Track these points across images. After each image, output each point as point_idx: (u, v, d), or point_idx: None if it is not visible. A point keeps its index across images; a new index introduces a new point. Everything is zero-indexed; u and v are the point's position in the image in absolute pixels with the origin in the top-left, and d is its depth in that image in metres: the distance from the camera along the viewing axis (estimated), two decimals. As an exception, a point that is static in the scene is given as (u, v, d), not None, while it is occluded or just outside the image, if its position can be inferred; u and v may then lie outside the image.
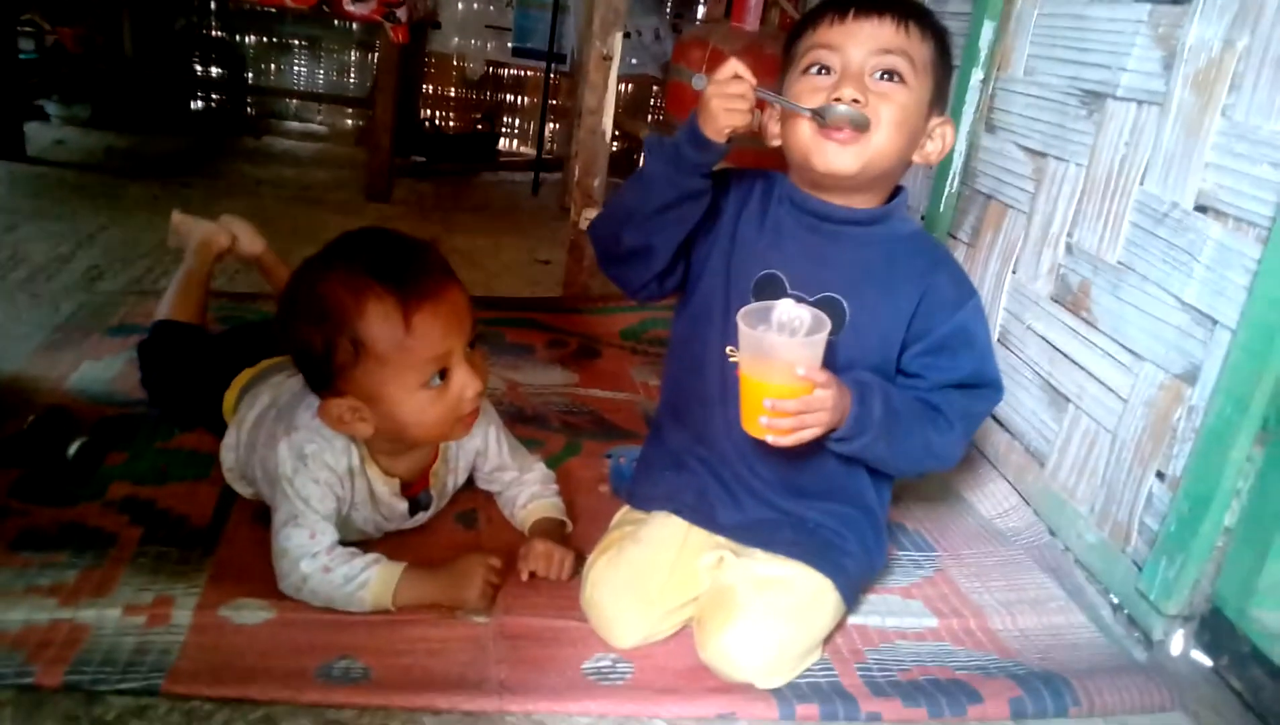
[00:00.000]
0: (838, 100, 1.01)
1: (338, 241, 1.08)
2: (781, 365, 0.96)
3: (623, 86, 3.88)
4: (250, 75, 4.15)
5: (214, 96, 4.16)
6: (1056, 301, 1.52)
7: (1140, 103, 1.36)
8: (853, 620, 1.18)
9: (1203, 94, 1.24)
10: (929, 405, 1.08)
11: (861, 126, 1.01)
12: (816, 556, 1.11)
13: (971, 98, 1.79)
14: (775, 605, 1.06)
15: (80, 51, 3.62)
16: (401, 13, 2.99)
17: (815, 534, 1.13)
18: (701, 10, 4.13)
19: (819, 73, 1.05)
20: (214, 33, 4.07)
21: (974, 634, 1.20)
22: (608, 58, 2.17)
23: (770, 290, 1.08)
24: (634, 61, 3.89)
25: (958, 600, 1.27)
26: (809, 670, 1.08)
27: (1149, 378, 1.29)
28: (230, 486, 1.27)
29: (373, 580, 1.06)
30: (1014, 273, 1.65)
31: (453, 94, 4.26)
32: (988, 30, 1.75)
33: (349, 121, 4.25)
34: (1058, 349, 1.50)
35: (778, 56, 1.14)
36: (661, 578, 1.10)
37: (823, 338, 0.96)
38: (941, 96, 1.10)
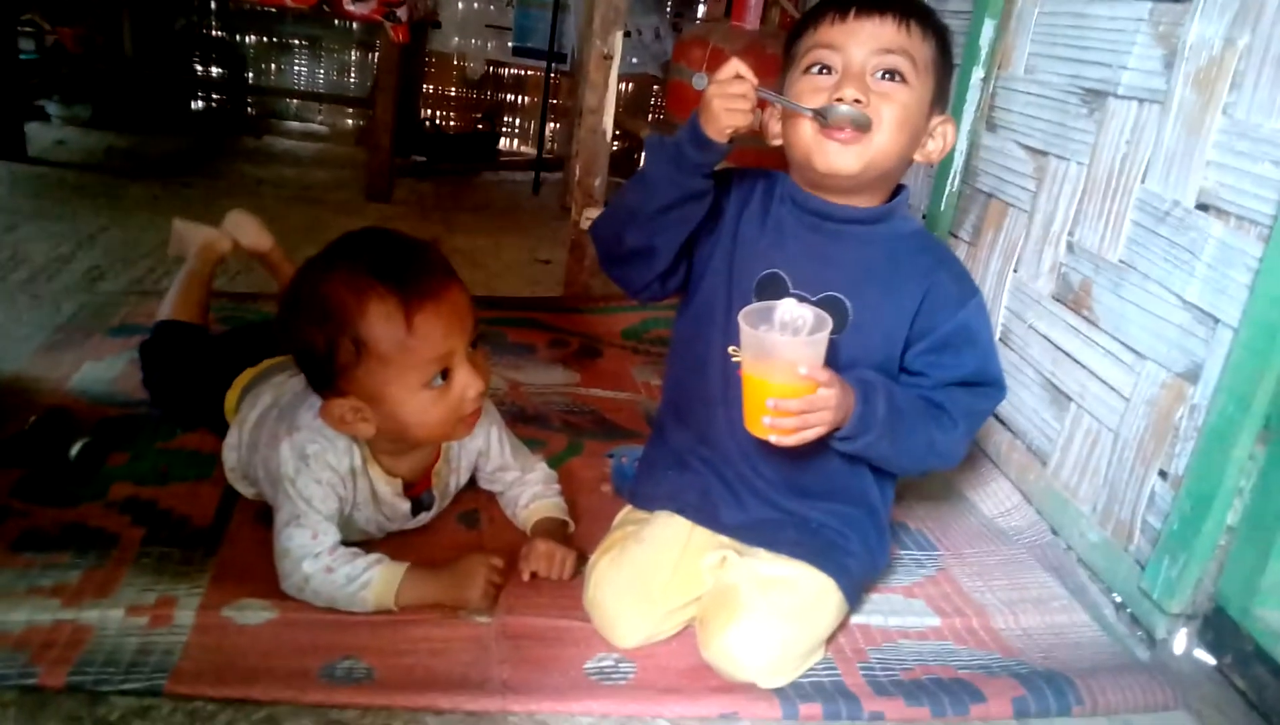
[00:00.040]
0: (839, 100, 1.01)
1: (339, 241, 1.08)
2: (784, 365, 0.96)
3: (623, 86, 3.88)
4: (250, 75, 4.15)
5: (214, 96, 4.16)
6: (1058, 300, 1.51)
7: (1141, 101, 1.36)
8: (855, 619, 1.18)
9: (1204, 92, 1.24)
10: (932, 403, 1.08)
11: (863, 126, 1.01)
12: (819, 556, 1.11)
13: (972, 96, 1.79)
14: (778, 605, 1.06)
15: (80, 51, 3.62)
16: (402, 12, 2.99)
17: (818, 534, 1.13)
18: (702, 9, 4.13)
19: (820, 72, 1.05)
20: (214, 32, 4.07)
21: (977, 633, 1.20)
22: (608, 57, 2.17)
23: (773, 290, 1.08)
24: (634, 61, 3.89)
25: (960, 599, 1.27)
26: (812, 670, 1.08)
27: (1151, 376, 1.29)
28: (232, 487, 1.27)
29: (375, 580, 1.06)
30: (1015, 272, 1.64)
31: (453, 93, 4.26)
32: (988, 28, 1.75)
33: (349, 121, 4.25)
34: (1059, 348, 1.50)
35: (778, 56, 1.14)
36: (664, 577, 1.10)
37: (824, 337, 0.96)
38: (943, 95, 1.10)
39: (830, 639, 1.13)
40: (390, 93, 3.16)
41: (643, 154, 3.67)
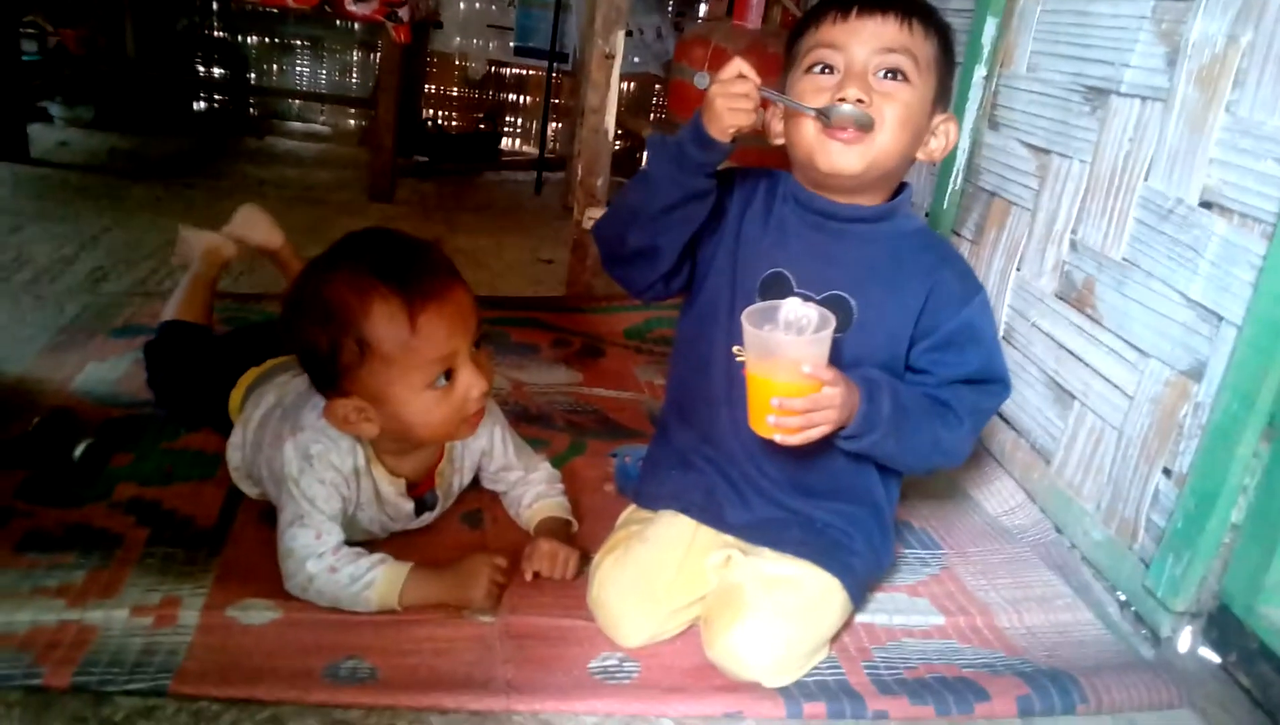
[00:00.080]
0: (842, 100, 1.01)
1: (342, 242, 1.09)
2: (788, 364, 0.95)
3: (625, 85, 3.88)
4: (253, 76, 4.16)
5: (217, 97, 4.17)
6: (1061, 298, 1.51)
7: (1144, 99, 1.36)
8: (859, 618, 1.18)
9: (1207, 90, 1.23)
10: (937, 401, 1.08)
11: (866, 126, 1.01)
12: (824, 556, 1.11)
13: (975, 94, 1.79)
14: (783, 604, 1.06)
15: (83, 53, 3.63)
16: (403, 12, 2.99)
17: (823, 534, 1.13)
18: (704, 8, 4.13)
19: (822, 72, 1.04)
20: (216, 33, 4.08)
21: (981, 632, 1.20)
22: (610, 56, 2.17)
23: (777, 289, 1.08)
24: (636, 60, 3.89)
25: (964, 598, 1.27)
26: (816, 669, 1.08)
27: (1155, 374, 1.29)
28: (236, 487, 1.27)
29: (379, 580, 1.06)
30: (1018, 270, 1.64)
31: (455, 93, 4.26)
32: (990, 27, 1.75)
33: (351, 121, 4.26)
34: (1063, 346, 1.50)
35: (780, 55, 1.14)
36: (669, 576, 1.10)
37: (828, 335, 0.96)
38: (945, 93, 1.10)
39: (834, 638, 1.13)
40: (392, 93, 3.17)
41: (645, 153, 3.67)
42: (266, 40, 4.13)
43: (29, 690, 0.90)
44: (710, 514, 1.15)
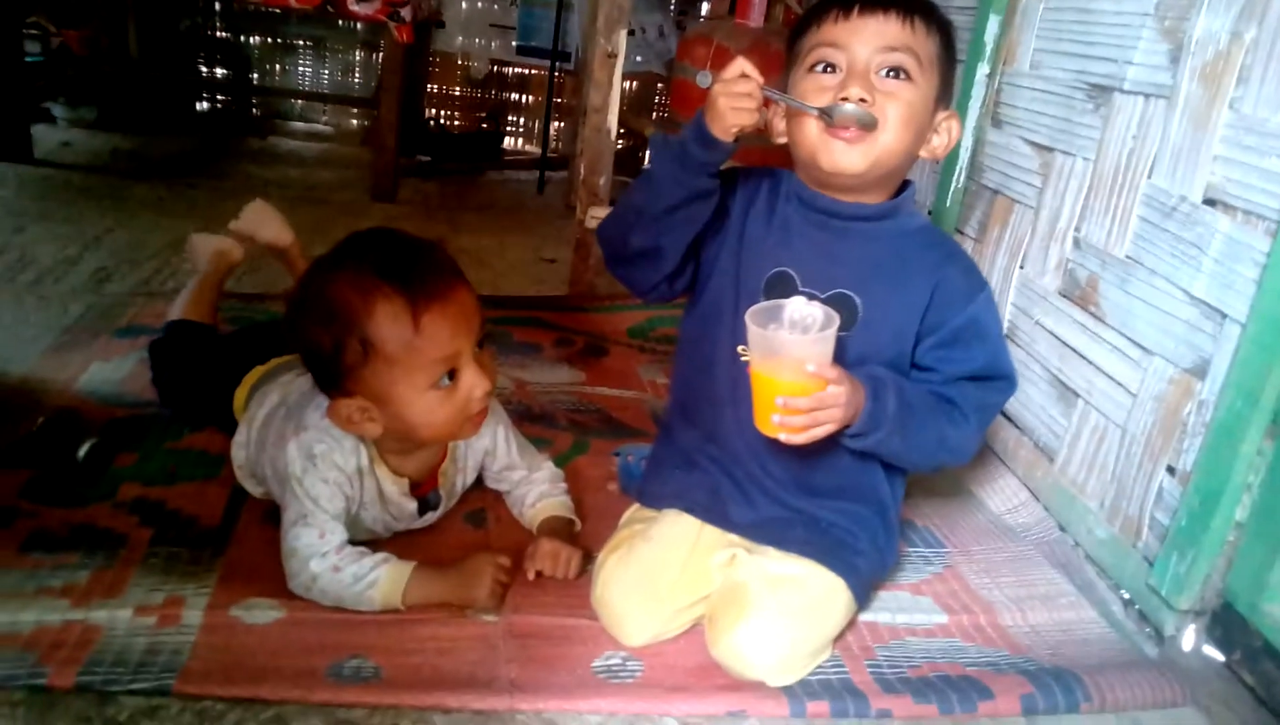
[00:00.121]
0: (844, 99, 1.01)
1: (346, 242, 1.09)
2: (792, 363, 0.95)
3: (627, 84, 3.87)
4: (255, 76, 4.16)
5: (219, 97, 4.17)
6: (1064, 296, 1.51)
7: (1147, 96, 1.36)
8: (863, 617, 1.18)
9: (1210, 86, 1.23)
10: (943, 398, 1.08)
11: (869, 126, 1.01)
12: (829, 555, 1.11)
13: (977, 92, 1.78)
14: (788, 603, 1.06)
15: (86, 54, 3.63)
16: (406, 12, 2.99)
17: (828, 533, 1.13)
18: (706, 7, 4.12)
19: (824, 71, 1.04)
20: (219, 33, 4.08)
21: (984, 630, 1.20)
22: (612, 55, 2.17)
23: (781, 288, 1.08)
24: (638, 59, 3.88)
25: (968, 596, 1.27)
26: (819, 667, 1.07)
27: (1158, 372, 1.29)
28: (240, 486, 1.28)
29: (382, 579, 1.06)
30: (1022, 268, 1.64)
31: (457, 93, 4.26)
32: (993, 24, 1.74)
33: (354, 121, 4.26)
34: (1066, 344, 1.49)
35: (783, 53, 1.14)
36: (672, 576, 1.10)
37: (832, 334, 0.96)
38: (947, 90, 1.10)
39: (838, 637, 1.12)
40: (395, 93, 3.17)
41: (647, 152, 3.67)
42: (269, 40, 4.13)
43: (33, 690, 0.90)
44: (714, 513, 1.15)
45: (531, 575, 1.16)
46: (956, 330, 1.08)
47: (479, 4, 4.09)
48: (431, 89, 4.22)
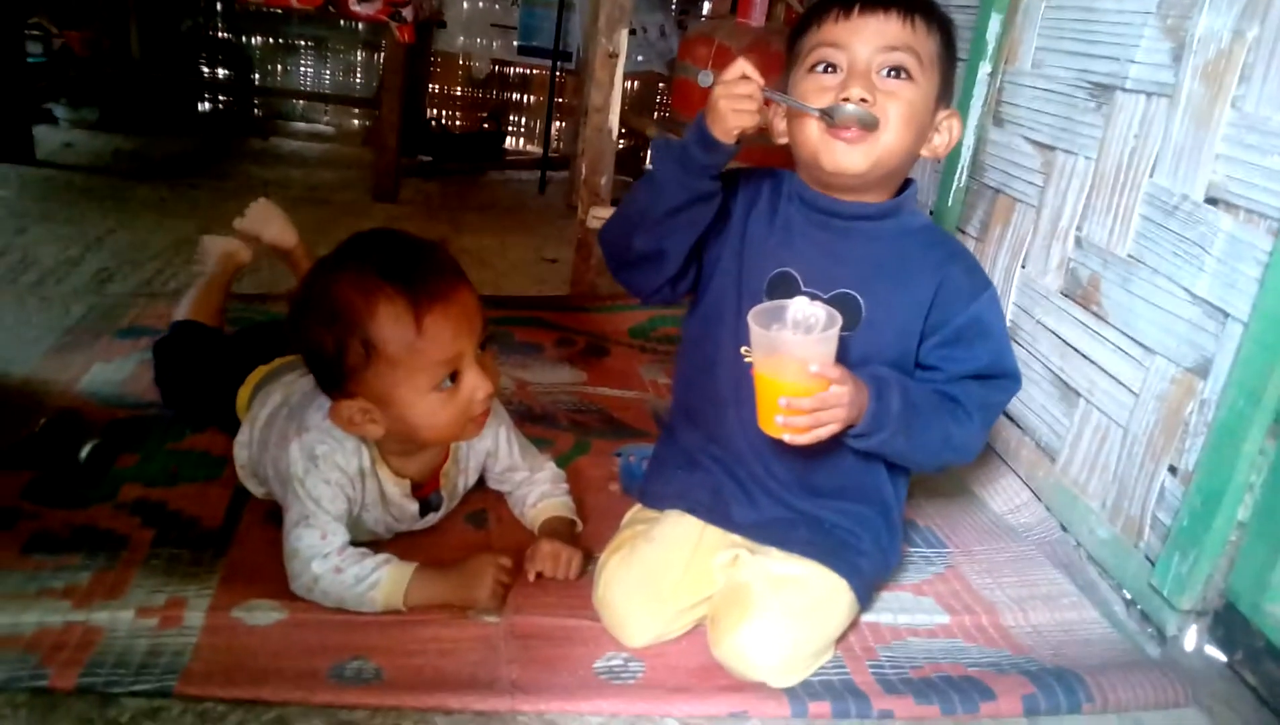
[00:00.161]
0: (845, 100, 1.01)
1: (349, 243, 1.09)
2: (795, 363, 0.95)
3: (629, 84, 3.88)
4: (257, 76, 4.16)
5: (221, 98, 4.17)
6: (1066, 296, 1.51)
7: (1149, 94, 1.35)
8: (865, 618, 1.18)
9: (1212, 85, 1.23)
10: (947, 397, 1.08)
11: (870, 126, 1.01)
12: (832, 556, 1.10)
13: (979, 91, 1.78)
14: (791, 604, 1.06)
15: (87, 54, 3.64)
16: (407, 12, 2.99)
17: (831, 534, 1.13)
18: (707, 6, 4.13)
19: (825, 71, 1.04)
20: (220, 34, 4.08)
21: (986, 630, 1.20)
22: (613, 55, 2.17)
23: (784, 288, 1.08)
24: (640, 59, 3.88)
25: (969, 597, 1.26)
26: (821, 668, 1.07)
27: (1160, 371, 1.28)
28: (241, 487, 1.28)
29: (384, 580, 1.06)
30: (1023, 267, 1.64)
31: (459, 93, 4.26)
32: (995, 23, 1.74)
33: (355, 122, 4.26)
34: (1068, 343, 1.49)
35: (784, 52, 1.14)
36: (675, 576, 1.10)
37: (834, 334, 0.96)
38: (948, 89, 1.10)
39: (840, 637, 1.12)
40: (396, 93, 3.17)
41: (649, 152, 3.67)
42: (271, 41, 4.13)
43: (35, 692, 0.90)
44: (717, 514, 1.15)
45: (532, 577, 1.16)
46: (960, 329, 1.08)
47: (480, 4, 4.09)
48: (433, 89, 4.22)
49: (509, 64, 4.23)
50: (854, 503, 1.15)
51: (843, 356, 0.99)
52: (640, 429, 1.65)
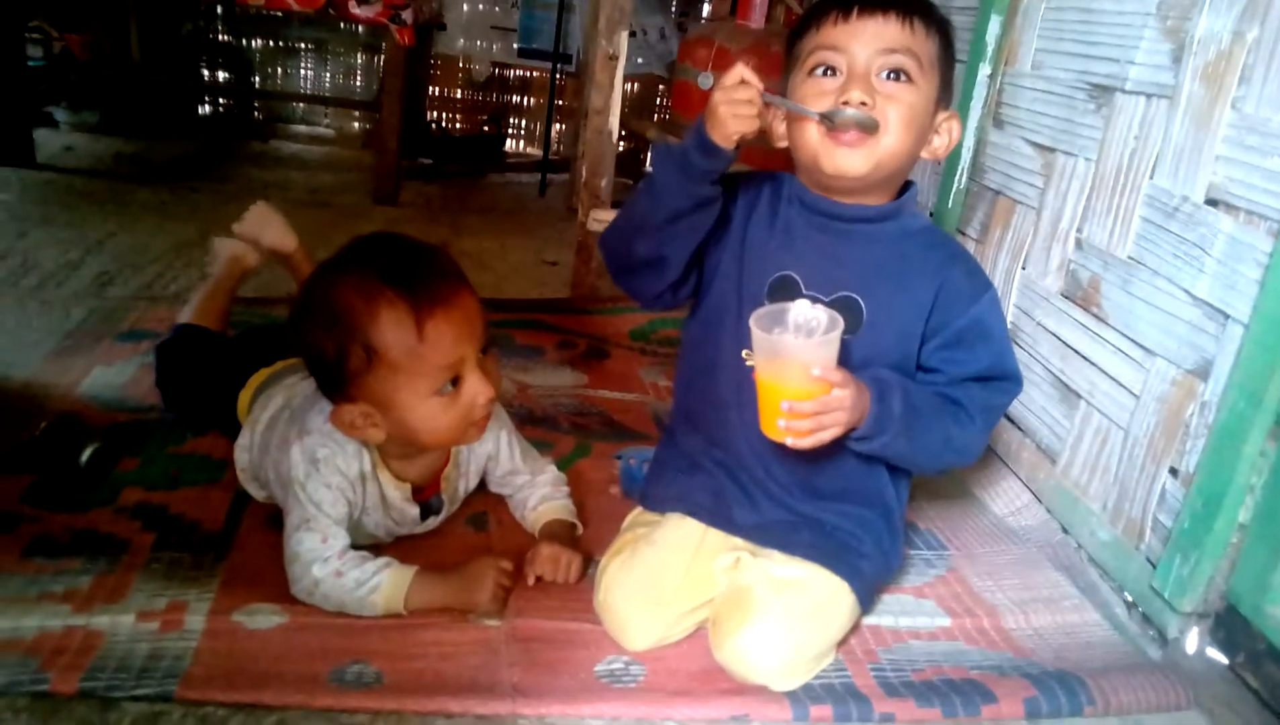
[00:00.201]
0: (845, 103, 1.01)
1: (351, 246, 1.09)
2: (797, 367, 0.95)
3: (629, 86, 3.88)
4: (257, 79, 4.16)
5: (221, 101, 4.18)
6: (1067, 297, 1.51)
7: (1149, 96, 1.35)
8: (866, 620, 1.18)
9: (1212, 86, 1.23)
10: (949, 399, 1.08)
11: (870, 129, 1.01)
12: (833, 559, 1.10)
13: (979, 93, 1.78)
14: (793, 607, 1.05)
15: (88, 58, 3.64)
16: (407, 15, 3.00)
17: (832, 537, 1.13)
18: (707, 8, 4.13)
19: (825, 74, 1.04)
20: (221, 37, 4.08)
21: (987, 633, 1.20)
22: (613, 57, 2.17)
23: (785, 292, 1.08)
24: (640, 61, 3.88)
25: (971, 599, 1.26)
26: (823, 671, 1.07)
27: (1161, 373, 1.28)
28: (242, 491, 1.28)
29: (384, 584, 1.06)
30: (1024, 269, 1.64)
31: (459, 96, 4.26)
32: (994, 25, 1.74)
33: (356, 124, 4.26)
34: (1068, 345, 1.49)
35: (784, 54, 1.14)
36: (676, 579, 1.09)
37: (836, 337, 0.96)
38: (947, 90, 1.09)
39: (841, 640, 1.12)
40: (396, 96, 3.17)
41: (649, 155, 3.67)
42: (271, 44, 4.13)
43: (36, 696, 0.90)
44: (718, 516, 1.15)
45: (531, 581, 1.15)
46: (961, 331, 1.08)
47: (480, 6, 4.09)
48: (433, 92, 4.22)
49: (509, 66, 4.23)
50: (855, 505, 1.15)
51: (844, 359, 0.99)
52: (641, 432, 1.65)
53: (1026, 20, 1.69)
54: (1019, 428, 1.61)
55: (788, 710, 1.01)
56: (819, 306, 0.98)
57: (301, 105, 4.26)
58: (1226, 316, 1.18)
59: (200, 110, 4.14)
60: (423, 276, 1.04)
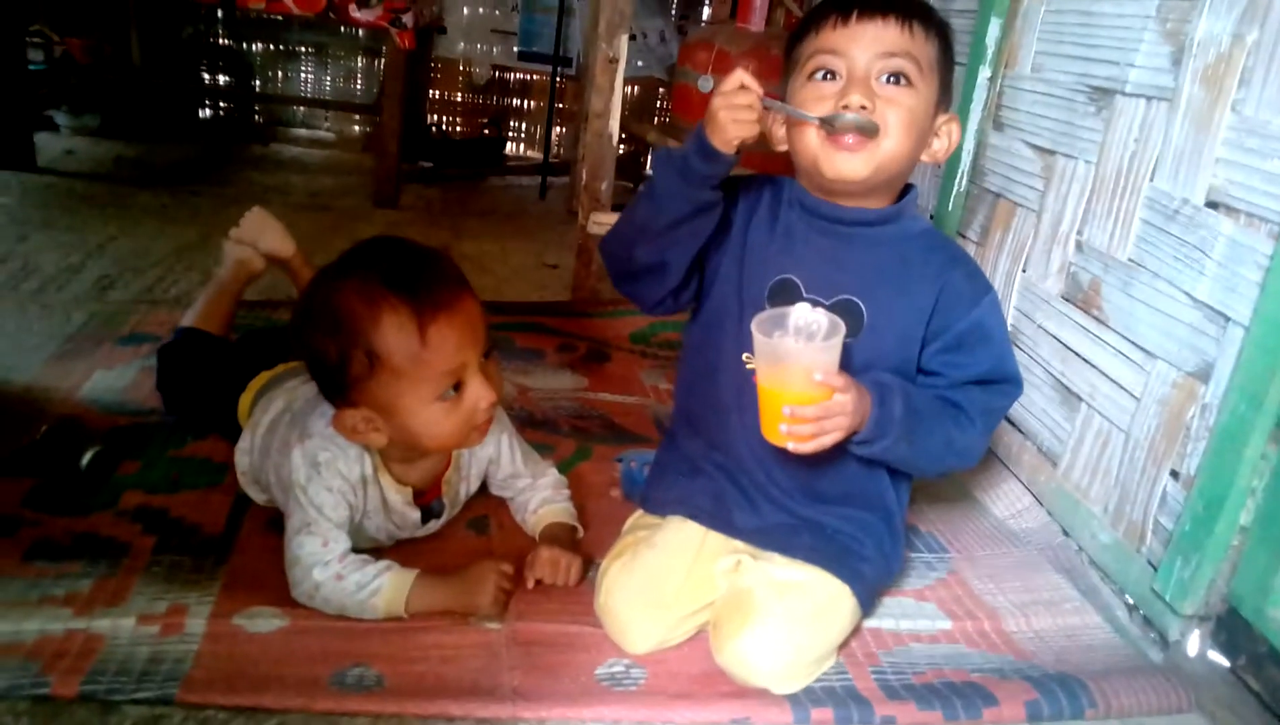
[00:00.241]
0: (845, 107, 1.01)
1: (353, 251, 1.08)
2: (798, 371, 0.95)
3: (629, 89, 3.88)
4: (258, 83, 4.16)
5: (222, 104, 4.18)
6: (1067, 300, 1.51)
7: (1149, 98, 1.36)
8: (867, 623, 1.18)
9: (1212, 89, 1.23)
10: (949, 403, 1.08)
11: (870, 133, 1.01)
12: (834, 562, 1.10)
13: (979, 96, 1.78)
14: (794, 610, 1.05)
15: (89, 62, 3.64)
16: (407, 18, 3.00)
17: (833, 540, 1.13)
18: (707, 11, 4.13)
19: (824, 78, 1.04)
20: (221, 41, 4.08)
21: (988, 636, 1.19)
22: (614, 60, 2.17)
23: (785, 295, 1.08)
24: (640, 64, 3.88)
25: (971, 602, 1.26)
26: (823, 674, 1.07)
27: (1161, 376, 1.28)
28: (243, 494, 1.28)
29: (385, 587, 1.06)
30: (1024, 271, 1.64)
31: (459, 99, 4.26)
32: (994, 27, 1.74)
33: (356, 128, 4.26)
34: (1069, 348, 1.49)
35: (783, 58, 1.14)
36: (677, 582, 1.09)
37: (838, 341, 0.96)
38: (946, 93, 1.09)
39: (842, 643, 1.12)
40: (396, 99, 3.17)
41: (649, 160, 3.67)
42: (271, 47, 4.13)
43: (36, 700, 0.90)
44: (719, 520, 1.15)
45: (531, 584, 1.15)
46: (961, 334, 1.08)
47: (480, 10, 4.10)
48: (433, 95, 4.22)
49: (509, 70, 4.23)
50: (856, 508, 1.15)
51: (845, 363, 0.99)
52: (642, 434, 1.65)
53: (1026, 23, 1.69)
54: (1020, 430, 1.61)
55: (788, 713, 1.01)
56: (820, 310, 0.98)
57: (302, 109, 4.26)
58: (1227, 319, 1.18)
59: (201, 114, 4.14)
60: (425, 282, 1.03)
